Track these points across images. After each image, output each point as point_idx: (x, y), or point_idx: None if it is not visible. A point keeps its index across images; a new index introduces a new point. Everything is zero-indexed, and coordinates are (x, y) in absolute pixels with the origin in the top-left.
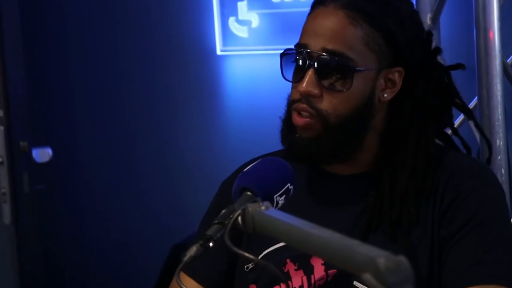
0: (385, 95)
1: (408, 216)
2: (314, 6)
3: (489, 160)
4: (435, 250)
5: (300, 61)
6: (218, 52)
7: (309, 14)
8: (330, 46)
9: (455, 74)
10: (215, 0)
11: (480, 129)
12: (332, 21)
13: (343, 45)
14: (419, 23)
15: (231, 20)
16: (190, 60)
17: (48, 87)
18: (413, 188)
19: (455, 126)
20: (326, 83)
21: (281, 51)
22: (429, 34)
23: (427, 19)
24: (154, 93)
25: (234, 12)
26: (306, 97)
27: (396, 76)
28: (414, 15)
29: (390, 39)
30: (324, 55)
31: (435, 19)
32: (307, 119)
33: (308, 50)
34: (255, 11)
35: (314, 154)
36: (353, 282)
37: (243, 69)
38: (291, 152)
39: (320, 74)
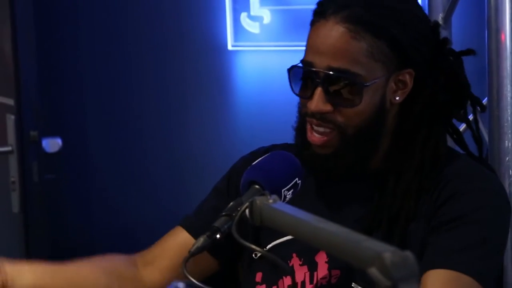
0: (397, 97)
1: (406, 212)
2: (315, 17)
3: (481, 158)
4: (425, 240)
5: (308, 79)
6: (229, 48)
7: (311, 26)
8: (335, 64)
9: (468, 74)
10: None
11: (476, 124)
12: (334, 37)
13: (348, 62)
14: (423, 19)
15: (243, 16)
16: (201, 55)
17: (59, 78)
18: (416, 184)
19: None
20: (335, 100)
21: (293, 48)
22: (436, 25)
23: (438, 19)
24: (165, 87)
25: (246, 8)
26: (319, 114)
27: (407, 77)
28: (418, 12)
29: (395, 45)
30: (330, 74)
31: (447, 19)
32: (324, 137)
33: (314, 69)
34: (267, 7)
35: (331, 169)
36: (351, 284)
37: (254, 64)
38: (307, 166)
39: (329, 91)
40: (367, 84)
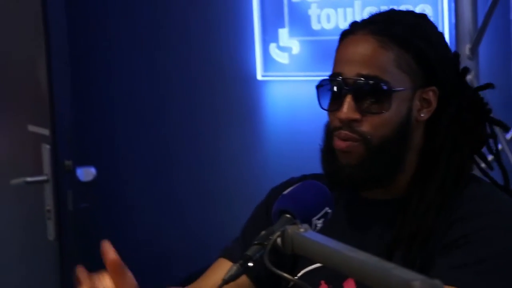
0: (422, 115)
1: (425, 230)
2: (343, 37)
3: (507, 187)
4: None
5: (337, 89)
6: (259, 77)
7: (339, 44)
8: (364, 71)
9: (494, 104)
10: (256, 27)
11: (496, 153)
12: (363, 47)
13: (377, 69)
14: (445, 43)
15: (272, 47)
16: (231, 85)
17: (93, 109)
18: (437, 203)
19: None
20: (364, 107)
21: (321, 78)
22: (457, 55)
23: (466, 50)
24: (195, 117)
25: (275, 39)
26: (347, 123)
27: (431, 95)
28: (440, 35)
29: (421, 58)
30: (359, 80)
31: (474, 50)
32: (349, 142)
33: (344, 77)
34: (296, 38)
35: (357, 180)
36: None
37: (283, 94)
38: (334, 179)
39: (358, 99)
40: (396, 89)
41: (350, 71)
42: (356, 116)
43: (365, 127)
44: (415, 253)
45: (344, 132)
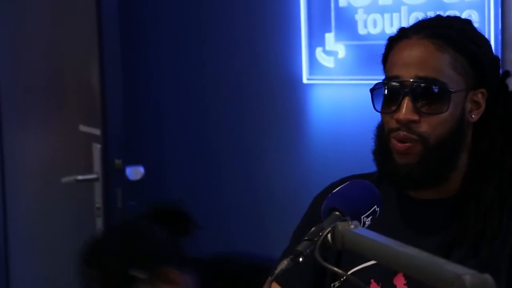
0: (473, 116)
1: (491, 228)
2: (395, 41)
3: None
4: None
5: (394, 91)
6: (305, 81)
7: (392, 48)
8: (422, 73)
9: None
10: (303, 31)
11: None
12: (419, 50)
13: (434, 71)
14: (491, 46)
15: (318, 51)
16: (277, 88)
17: (142, 110)
18: (498, 201)
19: None
20: (422, 108)
21: (367, 82)
22: (498, 59)
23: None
24: (241, 119)
25: (322, 43)
26: (406, 123)
27: (480, 97)
28: (486, 39)
29: (474, 61)
30: (418, 82)
31: None
32: (408, 144)
33: (401, 80)
34: (342, 42)
35: (415, 179)
36: None
37: (328, 98)
38: (390, 178)
39: (416, 100)
40: (453, 90)
41: (407, 74)
42: (415, 117)
43: (423, 127)
44: (483, 251)
45: (403, 133)
